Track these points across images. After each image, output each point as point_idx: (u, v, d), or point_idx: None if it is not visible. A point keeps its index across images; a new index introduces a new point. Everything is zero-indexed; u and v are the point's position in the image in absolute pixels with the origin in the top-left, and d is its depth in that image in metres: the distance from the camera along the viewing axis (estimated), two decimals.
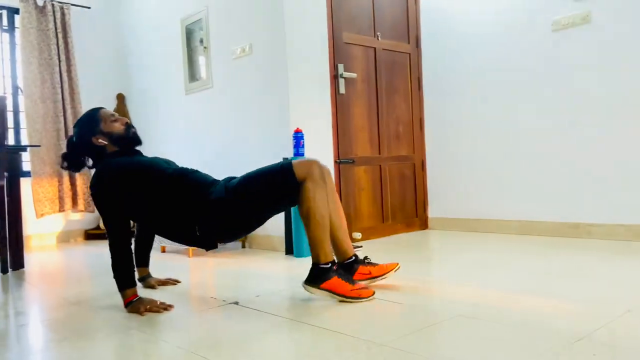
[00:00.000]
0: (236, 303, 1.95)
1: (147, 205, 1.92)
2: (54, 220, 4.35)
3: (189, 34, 3.90)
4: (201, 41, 3.78)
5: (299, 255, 2.92)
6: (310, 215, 1.86)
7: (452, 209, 3.82)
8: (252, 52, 3.32)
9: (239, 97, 3.46)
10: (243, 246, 3.44)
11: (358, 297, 1.85)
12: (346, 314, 1.73)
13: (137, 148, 2.10)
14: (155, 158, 2.08)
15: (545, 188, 3.28)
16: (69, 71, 4.36)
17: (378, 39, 3.68)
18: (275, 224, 3.21)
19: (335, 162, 3.36)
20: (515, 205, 3.42)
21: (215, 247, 2.00)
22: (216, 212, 1.87)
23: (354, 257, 2.07)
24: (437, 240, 3.43)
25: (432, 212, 3.97)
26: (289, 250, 3.03)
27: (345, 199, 3.41)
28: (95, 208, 2.02)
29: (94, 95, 4.57)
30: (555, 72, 3.20)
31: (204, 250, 2.11)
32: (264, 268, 2.68)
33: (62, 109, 4.28)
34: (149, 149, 4.60)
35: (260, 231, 3.35)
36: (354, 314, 1.73)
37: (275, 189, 1.88)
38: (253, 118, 3.36)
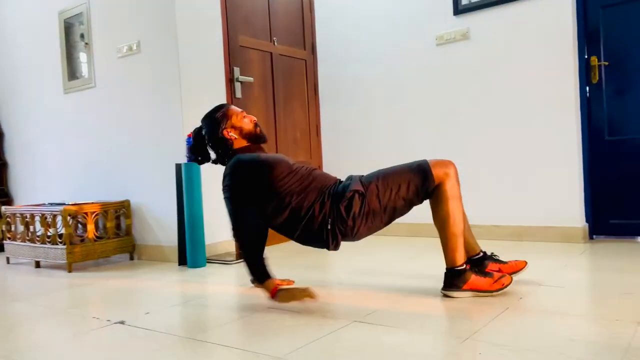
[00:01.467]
0: (122, 322, 1.80)
1: (278, 200, 1.86)
2: None
3: (67, 29, 3.58)
4: (82, 36, 3.48)
5: (194, 266, 2.79)
6: (450, 218, 1.84)
7: None
8: (141, 51, 3.12)
9: (126, 98, 3.24)
10: (131, 258, 3.22)
11: (502, 288, 1.85)
12: (241, 328, 1.67)
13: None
14: (281, 155, 2.02)
15: None
16: None
17: (274, 43, 3.66)
18: (166, 233, 3.05)
19: None
20: None
21: (338, 247, 1.90)
22: (352, 205, 1.83)
23: (482, 253, 2.04)
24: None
25: None
26: (182, 261, 2.89)
27: None
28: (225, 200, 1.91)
29: None
30: (439, 83, 3.41)
31: (326, 249, 1.92)
32: (155, 282, 2.52)
33: None
34: (21, 148, 4.17)
35: (150, 241, 3.16)
36: (249, 327, 1.67)
37: (414, 188, 1.85)
38: (142, 120, 3.16)
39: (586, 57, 2.99)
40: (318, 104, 4.05)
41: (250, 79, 3.40)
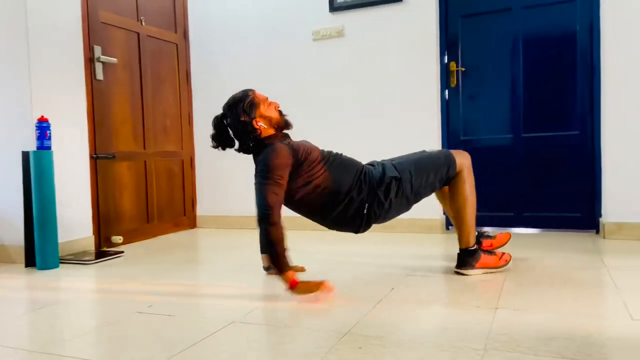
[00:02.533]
0: None
1: (314, 186, 1.91)
2: None
3: None
4: None
5: (45, 267, 2.47)
6: (468, 203, 2.04)
7: (222, 206, 3.79)
8: None
9: None
10: None
11: (506, 264, 2.10)
12: (103, 338, 1.51)
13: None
14: (305, 141, 2.04)
15: None
16: None
17: (142, 23, 3.39)
18: (9, 230, 2.66)
19: (92, 157, 2.96)
20: None
21: (366, 230, 2.02)
22: (390, 190, 1.95)
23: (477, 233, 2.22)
24: (206, 239, 3.35)
25: (201, 210, 3.87)
26: (31, 262, 2.54)
27: (103, 199, 3.04)
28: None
29: None
30: (315, 77, 3.45)
31: (354, 233, 2.03)
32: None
33: None
34: None
35: None
36: (112, 336, 1.51)
37: (440, 176, 2.02)
38: None
39: (446, 62, 3.24)
40: (190, 91, 3.85)
41: (114, 59, 3.10)
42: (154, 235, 3.45)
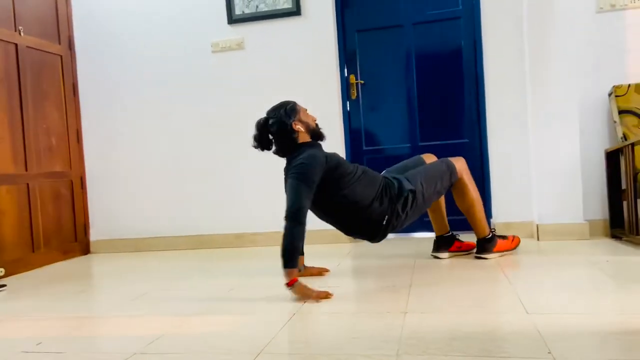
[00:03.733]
0: None
1: (341, 195, 2.08)
2: None
3: None
4: None
5: None
6: (475, 203, 2.35)
7: (117, 229, 3.54)
8: None
9: None
10: None
11: (517, 245, 2.49)
12: None
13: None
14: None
15: (213, 202, 3.40)
16: None
17: (20, 33, 3.09)
18: None
19: None
20: (184, 220, 3.43)
21: (384, 238, 2.22)
22: (407, 203, 2.15)
23: (451, 233, 2.53)
24: (100, 266, 3.10)
25: (95, 234, 3.58)
26: None
27: None
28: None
29: None
30: (213, 90, 3.37)
31: (368, 241, 2.26)
32: None
33: None
34: None
35: None
36: None
37: (445, 182, 2.28)
38: None
39: (346, 75, 3.33)
40: (79, 107, 3.57)
41: None
42: (41, 265, 3.12)
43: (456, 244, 2.53)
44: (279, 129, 2.14)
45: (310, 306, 1.82)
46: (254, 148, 2.22)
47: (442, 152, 3.23)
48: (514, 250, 2.48)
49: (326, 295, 1.89)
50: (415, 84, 3.27)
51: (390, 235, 3.24)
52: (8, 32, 3.01)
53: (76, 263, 3.22)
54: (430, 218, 2.54)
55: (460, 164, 2.33)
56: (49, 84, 3.33)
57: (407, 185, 2.18)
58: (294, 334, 1.54)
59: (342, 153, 3.24)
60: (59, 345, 1.57)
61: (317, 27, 3.22)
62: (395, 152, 3.32)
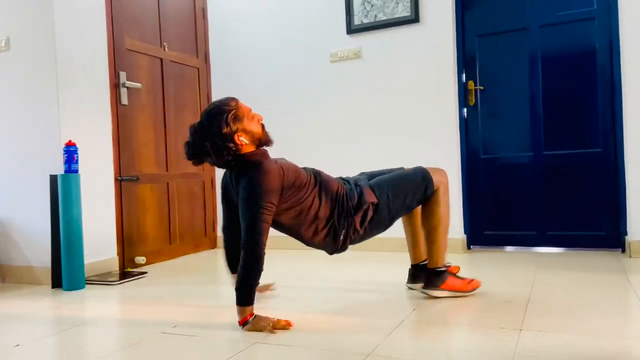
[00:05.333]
0: None
1: (298, 211, 1.83)
2: None
3: None
4: None
5: (71, 288, 2.52)
6: (441, 223, 1.98)
7: None
8: (10, 49, 2.78)
9: None
10: None
11: (474, 289, 2.04)
12: (133, 357, 1.53)
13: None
14: (284, 159, 1.93)
15: None
16: None
17: (165, 49, 3.49)
18: (37, 252, 2.73)
19: (117, 179, 3.03)
20: None
21: (343, 252, 1.97)
22: (366, 217, 1.90)
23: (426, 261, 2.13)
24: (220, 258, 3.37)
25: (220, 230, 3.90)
26: (57, 283, 2.60)
27: (127, 220, 3.09)
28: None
29: None
30: (333, 99, 3.50)
31: (328, 253, 1.98)
32: (25, 307, 2.22)
33: None
34: None
35: (17, 261, 2.80)
36: (142, 355, 1.54)
37: (418, 196, 1.97)
38: (11, 127, 2.80)
39: (464, 81, 3.26)
40: None
41: (138, 85, 3.19)
42: (176, 256, 3.49)
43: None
44: (217, 143, 1.75)
45: (422, 315, 1.83)
46: (187, 159, 1.87)
47: (570, 162, 3.03)
48: (469, 294, 2.04)
49: (283, 326, 1.69)
50: (541, 89, 3.09)
51: (509, 248, 3.15)
52: (155, 48, 3.41)
53: (205, 256, 3.54)
54: (406, 242, 2.23)
55: (439, 177, 2.01)
56: (187, 94, 3.71)
57: (368, 197, 1.91)
58: (402, 341, 1.56)
59: (456, 161, 3.18)
60: (192, 329, 1.77)
61: (436, 33, 3.19)
62: (515, 161, 3.17)
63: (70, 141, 2.58)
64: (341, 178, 2.04)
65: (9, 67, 2.79)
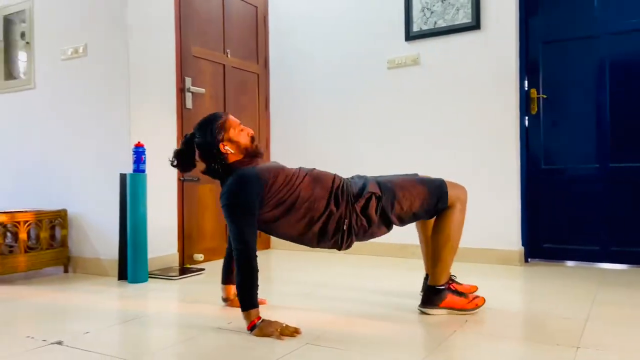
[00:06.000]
0: (60, 343, 1.69)
1: (288, 207, 1.82)
2: None
3: (7, 25, 3.37)
4: (22, 35, 3.29)
5: (135, 281, 2.67)
6: (450, 241, 1.91)
7: None
8: (87, 55, 2.99)
9: (68, 102, 3.08)
10: (66, 271, 3.03)
11: (476, 307, 1.94)
12: (188, 351, 1.61)
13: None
14: (275, 162, 1.97)
15: None
16: None
17: (228, 56, 3.62)
18: (106, 245, 2.91)
19: (179, 180, 3.18)
20: None
21: (350, 247, 1.91)
22: (369, 209, 1.85)
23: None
24: (278, 260, 3.46)
25: None
26: (122, 276, 2.76)
27: (187, 219, 3.24)
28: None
29: None
30: (389, 105, 3.50)
31: (336, 250, 1.92)
32: (93, 298, 2.38)
33: None
34: None
35: (87, 253, 3.00)
36: (195, 350, 1.62)
37: (427, 206, 1.90)
38: (85, 128, 3.01)
39: (526, 89, 3.17)
40: (269, 118, 4.04)
41: (202, 90, 3.34)
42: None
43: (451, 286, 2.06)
44: (204, 151, 1.91)
45: (474, 326, 1.81)
46: (172, 167, 2.01)
47: (638, 176, 2.88)
48: (471, 313, 1.94)
49: (292, 333, 1.69)
50: (608, 99, 2.96)
51: (570, 263, 3.03)
52: (219, 54, 3.56)
53: (259, 255, 3.63)
54: (421, 250, 2.20)
55: (457, 192, 1.94)
56: (247, 98, 3.84)
57: (372, 188, 1.87)
58: (453, 350, 1.56)
59: (515, 171, 3.10)
60: (242, 325, 1.83)
61: (497, 40, 3.13)
62: (579, 173, 3.05)
63: (139, 142, 2.74)
64: (350, 177, 2.03)
65: (86, 71, 3.00)
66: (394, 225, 1.94)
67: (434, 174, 3.27)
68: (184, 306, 2.23)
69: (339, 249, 1.92)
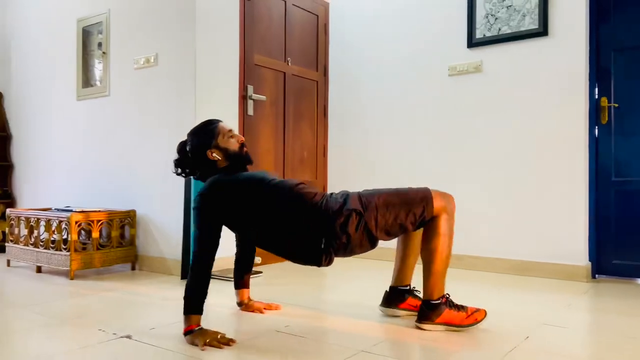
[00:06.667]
0: (129, 337, 1.79)
1: (265, 218, 1.83)
2: None
3: (85, 36, 3.61)
4: (99, 45, 3.52)
5: None
6: (438, 251, 1.84)
7: None
8: (158, 64, 3.16)
9: (139, 109, 3.26)
10: (133, 268, 3.20)
11: (475, 322, 1.87)
12: (247, 351, 1.66)
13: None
14: (263, 172, 1.98)
15: None
16: None
17: (288, 64, 3.70)
18: (170, 245, 3.05)
19: None
20: None
21: (330, 264, 1.86)
22: (348, 226, 1.78)
23: (409, 287, 2.09)
24: (335, 266, 3.47)
25: None
26: (185, 275, 2.88)
27: None
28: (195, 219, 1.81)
29: None
30: (449, 113, 3.45)
31: (316, 266, 1.88)
32: (158, 295, 2.51)
33: None
34: (28, 151, 4.18)
35: (153, 252, 3.15)
36: (254, 350, 1.67)
37: (413, 217, 1.82)
38: (154, 132, 3.18)
39: (596, 97, 3.03)
40: (327, 125, 4.08)
41: (263, 97, 3.43)
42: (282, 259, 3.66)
43: (410, 300, 2.06)
44: (194, 157, 1.96)
45: (534, 343, 1.75)
46: (176, 175, 2.05)
47: None
48: (471, 328, 1.87)
49: (227, 342, 1.68)
50: None
51: None
52: (280, 63, 3.64)
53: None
54: (394, 260, 2.13)
55: (442, 202, 1.85)
56: (306, 106, 3.90)
57: (352, 204, 1.80)
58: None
59: (583, 183, 2.96)
60: (302, 330, 1.87)
61: (566, 46, 3.02)
62: None
63: None
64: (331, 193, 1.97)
65: (156, 80, 3.17)
66: (379, 241, 1.87)
67: (497, 186, 3.23)
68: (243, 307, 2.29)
69: (318, 266, 1.87)
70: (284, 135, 3.68)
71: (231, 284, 2.75)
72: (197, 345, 1.68)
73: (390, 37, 3.74)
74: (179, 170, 2.03)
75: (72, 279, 2.85)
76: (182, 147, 2.03)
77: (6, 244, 3.34)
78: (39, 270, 3.09)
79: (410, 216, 1.82)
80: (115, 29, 3.40)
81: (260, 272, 3.07)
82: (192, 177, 2.07)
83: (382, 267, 3.37)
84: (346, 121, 3.98)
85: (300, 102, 3.84)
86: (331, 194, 1.91)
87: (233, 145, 1.97)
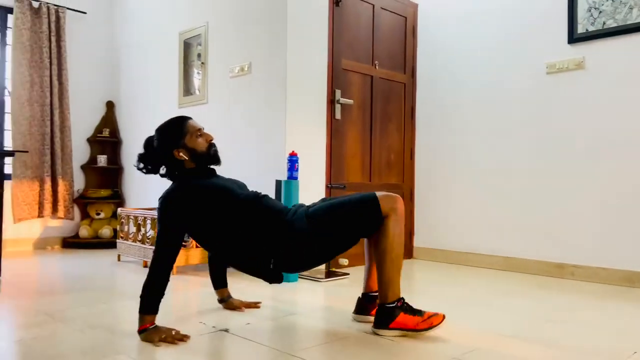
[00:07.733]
0: (226, 330, 1.90)
1: (220, 232, 1.87)
2: (31, 226, 4.22)
3: (186, 48, 3.88)
4: (199, 56, 3.76)
5: (287, 280, 2.88)
6: (387, 253, 1.83)
7: (437, 239, 3.84)
8: (251, 72, 3.31)
9: (233, 115, 3.44)
10: None
11: (430, 327, 1.83)
12: (340, 350, 1.70)
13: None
14: (230, 181, 2.03)
15: (532, 226, 3.31)
16: (59, 75, 4.28)
17: (376, 67, 3.72)
18: None
19: (327, 186, 3.35)
20: (501, 241, 3.45)
21: (279, 282, 1.93)
22: (297, 244, 1.83)
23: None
24: (421, 270, 3.43)
25: (418, 241, 3.98)
26: None
27: None
28: (158, 222, 1.85)
29: (83, 100, 4.50)
30: (547, 114, 3.27)
31: (268, 282, 1.96)
32: (253, 291, 2.63)
33: (49, 112, 4.20)
34: (135, 154, 4.54)
35: None
36: (346, 350, 1.70)
37: (360, 221, 1.83)
38: (247, 138, 3.34)
39: None
40: (414, 128, 4.04)
41: (351, 101, 3.47)
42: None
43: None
44: (160, 155, 1.91)
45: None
46: (137, 169, 1.96)
47: None
48: (423, 332, 1.80)
49: (180, 338, 1.71)
50: None
51: None
52: (367, 66, 3.67)
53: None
54: (364, 269, 2.10)
55: (390, 204, 1.80)
56: (393, 108, 3.89)
57: (300, 223, 1.81)
58: None
59: None
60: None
61: None
62: None
63: (293, 152, 2.95)
64: (300, 205, 1.98)
65: (249, 87, 3.32)
66: (336, 252, 1.87)
67: (596, 191, 3.01)
68: (329, 308, 2.34)
69: (269, 282, 1.92)
70: (370, 138, 3.69)
71: (319, 284, 2.82)
72: (152, 342, 1.71)
73: (481, 35, 3.63)
74: (141, 165, 1.97)
75: (174, 274, 3.07)
76: (148, 143, 1.98)
77: (117, 240, 3.66)
78: (145, 265, 3.36)
79: (360, 221, 1.82)
80: (213, 40, 3.61)
81: (347, 274, 3.11)
82: (154, 174, 2.02)
83: (474, 273, 3.26)
84: (434, 123, 3.91)
85: (388, 105, 3.84)
86: (281, 209, 1.93)
87: (201, 145, 1.94)
